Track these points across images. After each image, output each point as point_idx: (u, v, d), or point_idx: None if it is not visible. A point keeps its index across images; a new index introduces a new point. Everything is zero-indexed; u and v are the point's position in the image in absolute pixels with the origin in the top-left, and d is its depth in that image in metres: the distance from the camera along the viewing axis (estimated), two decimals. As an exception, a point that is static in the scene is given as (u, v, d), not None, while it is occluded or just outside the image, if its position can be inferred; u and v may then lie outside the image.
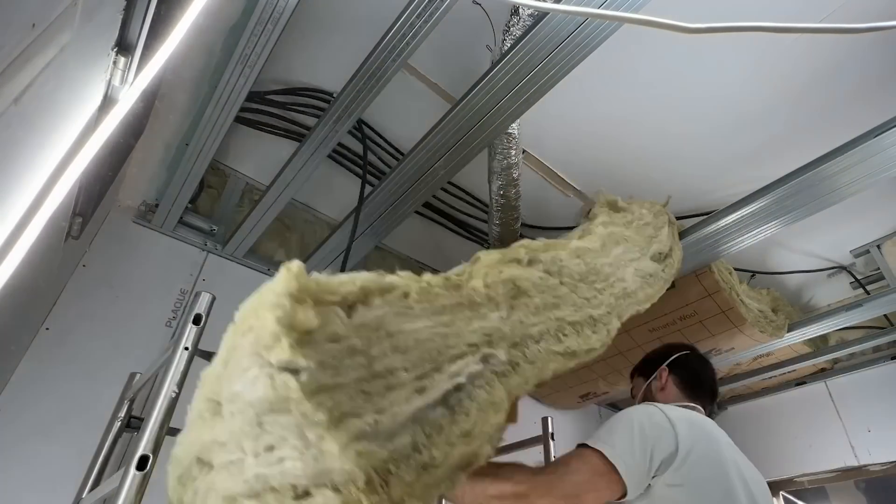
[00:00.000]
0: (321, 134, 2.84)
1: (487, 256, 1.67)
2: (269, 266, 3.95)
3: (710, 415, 2.63)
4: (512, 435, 3.15)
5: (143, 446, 1.57)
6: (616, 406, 6.30)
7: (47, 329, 2.92)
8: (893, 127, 2.55)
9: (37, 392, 2.79)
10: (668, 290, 3.79)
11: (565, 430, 5.32)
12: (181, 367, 1.75)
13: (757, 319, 4.00)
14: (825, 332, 4.42)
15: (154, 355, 2.53)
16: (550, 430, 3.04)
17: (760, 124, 3.47)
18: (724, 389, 5.61)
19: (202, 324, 1.87)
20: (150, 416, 1.63)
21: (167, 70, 1.98)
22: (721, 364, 4.72)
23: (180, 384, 1.73)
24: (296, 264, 1.07)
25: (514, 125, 2.88)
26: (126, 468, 1.54)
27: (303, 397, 0.97)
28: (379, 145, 3.68)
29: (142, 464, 1.54)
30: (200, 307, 1.89)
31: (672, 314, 4.01)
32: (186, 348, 1.79)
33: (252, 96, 2.88)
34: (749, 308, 3.95)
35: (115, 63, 1.72)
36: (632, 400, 2.94)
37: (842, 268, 4.82)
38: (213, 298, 1.94)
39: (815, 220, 3.14)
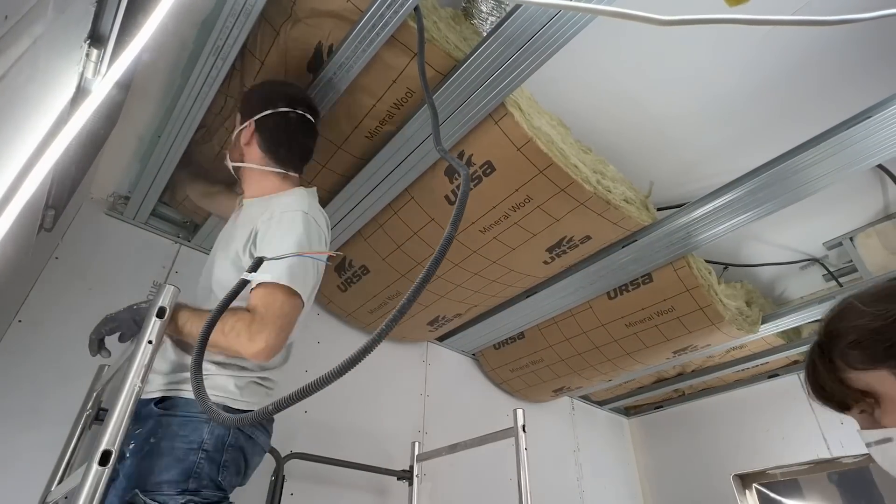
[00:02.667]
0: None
1: None
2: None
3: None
4: (484, 427, 3.18)
5: (106, 441, 1.56)
6: (588, 398, 6.34)
7: (20, 321, 2.91)
8: (865, 119, 2.59)
9: (9, 384, 2.78)
10: (645, 284, 3.85)
11: (537, 421, 5.37)
12: (145, 361, 1.75)
13: (734, 318, 4.03)
14: (798, 324, 4.47)
15: (125, 348, 2.53)
16: (521, 422, 3.06)
17: (733, 117, 3.49)
18: (696, 381, 5.65)
19: (166, 317, 1.86)
20: (114, 411, 1.62)
21: (140, 62, 1.97)
22: (694, 356, 4.76)
23: (144, 378, 1.73)
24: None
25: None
26: (88, 463, 1.53)
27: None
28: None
29: (104, 459, 1.53)
30: (164, 300, 1.88)
31: (649, 308, 4.05)
32: (150, 342, 1.79)
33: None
34: (727, 307, 3.97)
35: (87, 55, 1.71)
36: None
37: (814, 260, 4.85)
38: (178, 291, 1.94)
39: (788, 212, 3.19)
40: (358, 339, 4.41)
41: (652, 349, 4.42)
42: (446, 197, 3.17)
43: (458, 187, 3.08)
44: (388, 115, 2.88)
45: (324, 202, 3.28)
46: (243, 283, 2.00)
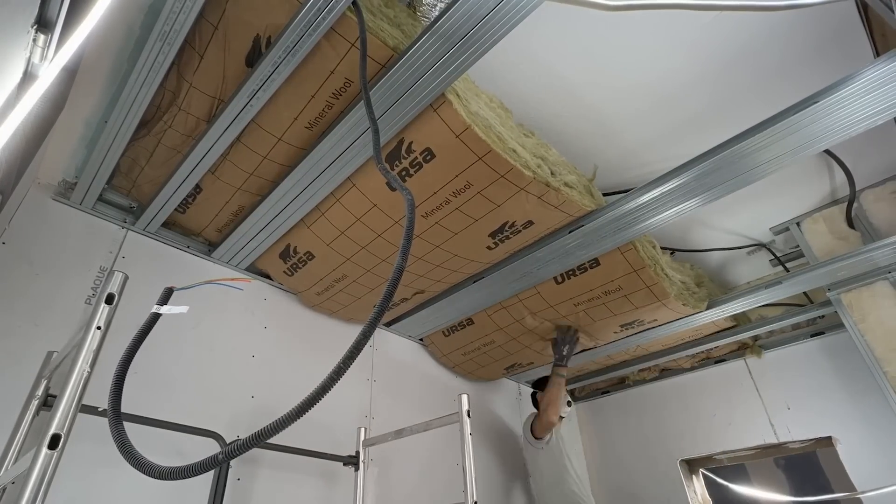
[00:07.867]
0: (238, 104, 2.81)
1: None
2: (189, 243, 3.95)
3: None
4: (432, 411, 3.20)
5: (55, 425, 1.57)
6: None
7: (-35, 306, 2.88)
8: (812, 104, 2.62)
9: (-45, 369, 2.76)
10: (592, 268, 3.89)
11: (484, 405, 5.43)
12: (93, 347, 1.76)
13: (680, 292, 4.11)
14: (745, 309, 4.54)
15: (73, 333, 2.52)
16: (466, 407, 3.09)
17: (680, 102, 3.55)
18: (645, 366, 5.73)
19: (115, 303, 1.87)
20: (63, 396, 1.63)
21: (87, 47, 1.96)
22: (642, 340, 4.82)
23: (93, 363, 1.74)
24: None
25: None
26: (38, 447, 1.54)
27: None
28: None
29: (53, 443, 1.55)
30: (114, 286, 1.89)
31: (597, 289, 4.10)
32: (99, 327, 1.79)
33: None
34: (672, 281, 4.04)
35: (34, 40, 1.71)
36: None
37: (761, 245, 4.93)
38: (126, 278, 1.94)
39: (735, 197, 3.24)
40: (303, 322, 4.44)
41: (600, 323, 4.50)
42: (387, 184, 3.18)
43: (400, 173, 3.11)
44: (327, 106, 2.91)
45: (266, 191, 3.36)
46: (155, 317, 2.04)
